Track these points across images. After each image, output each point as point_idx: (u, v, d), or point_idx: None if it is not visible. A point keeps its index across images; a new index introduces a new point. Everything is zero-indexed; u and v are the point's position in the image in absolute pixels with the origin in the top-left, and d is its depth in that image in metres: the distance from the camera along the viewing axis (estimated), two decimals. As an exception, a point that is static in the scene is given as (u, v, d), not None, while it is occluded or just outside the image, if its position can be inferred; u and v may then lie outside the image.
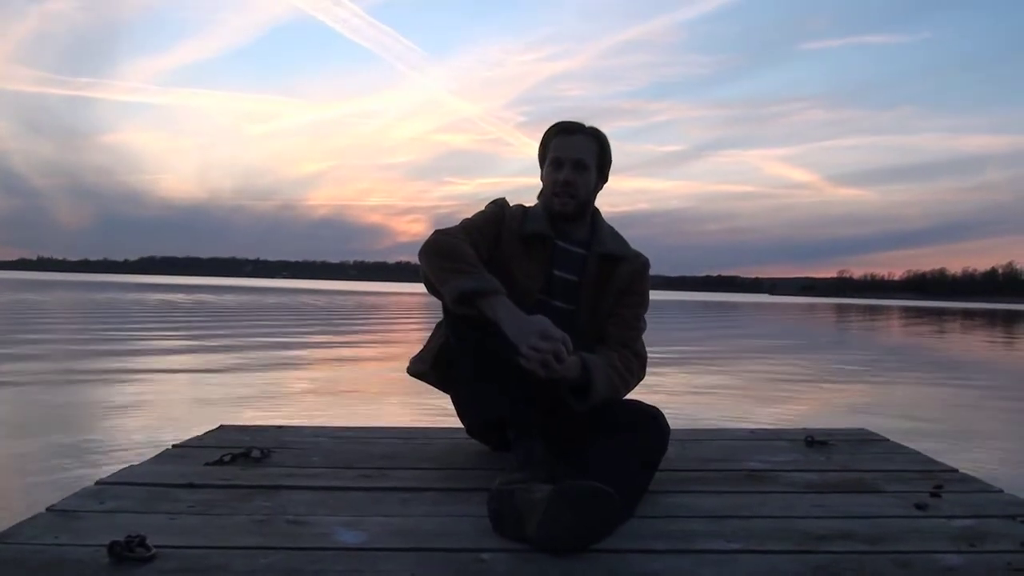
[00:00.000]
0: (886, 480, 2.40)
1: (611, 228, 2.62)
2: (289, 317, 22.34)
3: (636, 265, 2.58)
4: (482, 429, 2.56)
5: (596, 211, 2.60)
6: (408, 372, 2.71)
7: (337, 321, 21.86)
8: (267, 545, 1.76)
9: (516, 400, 2.29)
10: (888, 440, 3.05)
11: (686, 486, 2.33)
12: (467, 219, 2.52)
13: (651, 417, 2.27)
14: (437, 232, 2.42)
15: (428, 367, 2.60)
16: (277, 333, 15.52)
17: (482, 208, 2.59)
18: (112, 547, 1.65)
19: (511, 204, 2.59)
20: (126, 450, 4.34)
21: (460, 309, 2.28)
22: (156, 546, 1.69)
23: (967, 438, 5.88)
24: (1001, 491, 2.27)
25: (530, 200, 2.64)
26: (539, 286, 2.49)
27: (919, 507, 2.09)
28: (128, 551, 1.65)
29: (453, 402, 2.63)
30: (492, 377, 2.29)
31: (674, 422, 2.37)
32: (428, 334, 2.69)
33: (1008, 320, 42.19)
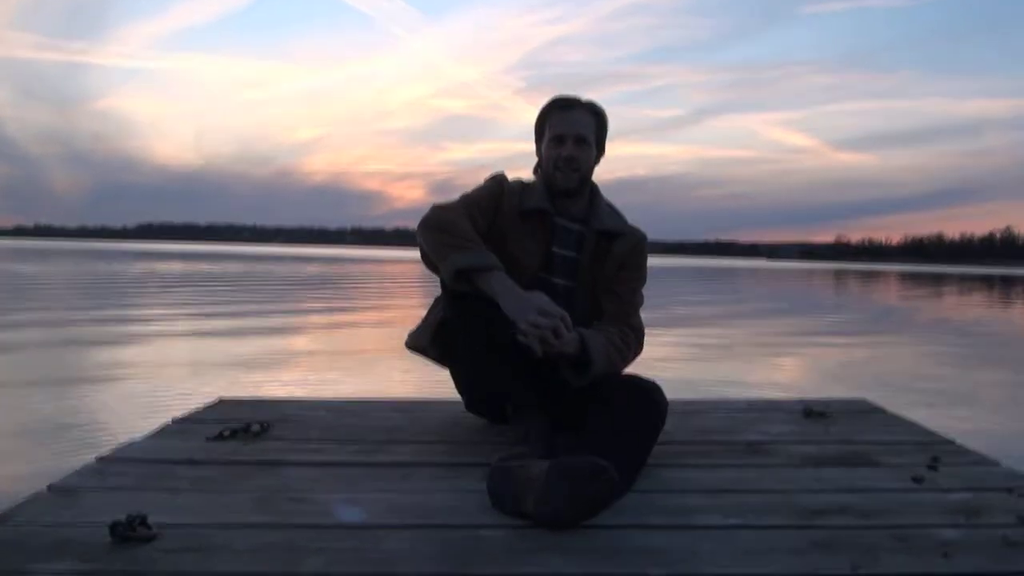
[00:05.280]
0: (884, 452, 2.41)
1: (609, 203, 2.61)
2: (288, 287, 22.29)
3: (634, 241, 2.58)
4: (481, 404, 2.57)
5: (594, 186, 2.59)
6: (407, 347, 2.72)
7: (336, 290, 21.82)
8: (268, 523, 1.77)
9: (514, 376, 2.30)
10: (886, 411, 3.06)
11: (684, 459, 2.34)
12: (465, 194, 2.51)
13: (649, 392, 2.28)
14: (435, 207, 2.41)
15: (427, 342, 2.61)
16: (276, 305, 15.44)
17: (480, 178, 2.58)
18: (114, 527, 1.66)
19: (510, 177, 2.58)
20: (127, 423, 4.34)
21: (458, 285, 2.28)
22: (158, 525, 1.70)
23: (966, 406, 5.89)
24: (998, 464, 2.28)
25: (528, 167, 2.62)
26: (538, 263, 2.48)
27: (916, 480, 2.11)
28: (130, 531, 1.66)
29: (452, 376, 2.63)
30: (490, 353, 2.29)
31: (672, 391, 2.38)
32: (427, 303, 2.69)
33: (1007, 285, 42.22)
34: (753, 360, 8.43)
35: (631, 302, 2.54)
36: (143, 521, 1.70)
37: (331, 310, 14.37)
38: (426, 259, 2.40)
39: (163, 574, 1.51)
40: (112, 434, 3.87)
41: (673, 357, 7.96)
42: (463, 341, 2.37)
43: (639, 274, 2.59)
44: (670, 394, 2.32)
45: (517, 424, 2.29)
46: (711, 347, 9.51)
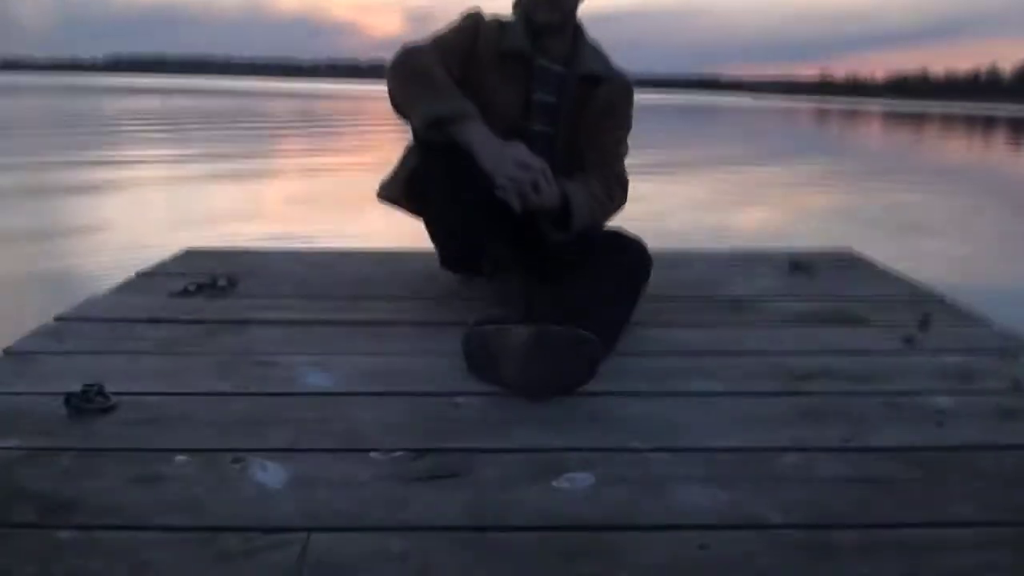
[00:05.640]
0: (872, 309, 2.33)
1: (594, 45, 2.42)
2: (260, 126, 21.74)
3: (619, 86, 2.41)
4: (456, 261, 2.46)
5: (579, 25, 2.40)
6: (378, 198, 2.58)
7: (311, 129, 21.34)
8: (231, 390, 1.69)
9: (492, 232, 2.18)
10: (874, 263, 2.98)
11: (665, 317, 2.26)
12: (438, 34, 2.32)
13: (633, 248, 2.18)
14: (406, 50, 2.23)
15: (399, 194, 2.47)
16: (249, 146, 15.00)
17: (459, 10, 2.38)
18: (69, 398, 1.57)
19: (487, 13, 2.38)
20: (88, 274, 4.19)
21: (430, 135, 2.12)
22: (116, 393, 1.61)
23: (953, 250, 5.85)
24: (990, 322, 2.22)
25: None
26: (516, 109, 2.31)
27: (906, 341, 2.04)
28: (85, 401, 1.58)
29: (426, 229, 2.50)
30: (466, 208, 2.17)
31: (653, 238, 2.28)
32: (403, 141, 2.52)
33: (989, 124, 41.96)
34: (736, 204, 8.35)
35: (615, 152, 2.40)
36: (100, 390, 1.61)
37: (306, 151, 14.06)
38: (396, 106, 2.23)
39: (117, 450, 1.42)
40: (73, 287, 3.74)
41: (655, 201, 7.83)
42: (437, 196, 2.24)
43: (624, 122, 2.43)
44: (651, 242, 2.22)
45: (494, 283, 2.19)
46: (695, 191, 9.40)
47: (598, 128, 2.36)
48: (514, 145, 2.05)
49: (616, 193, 2.34)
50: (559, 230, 2.21)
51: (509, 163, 2.00)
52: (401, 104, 2.19)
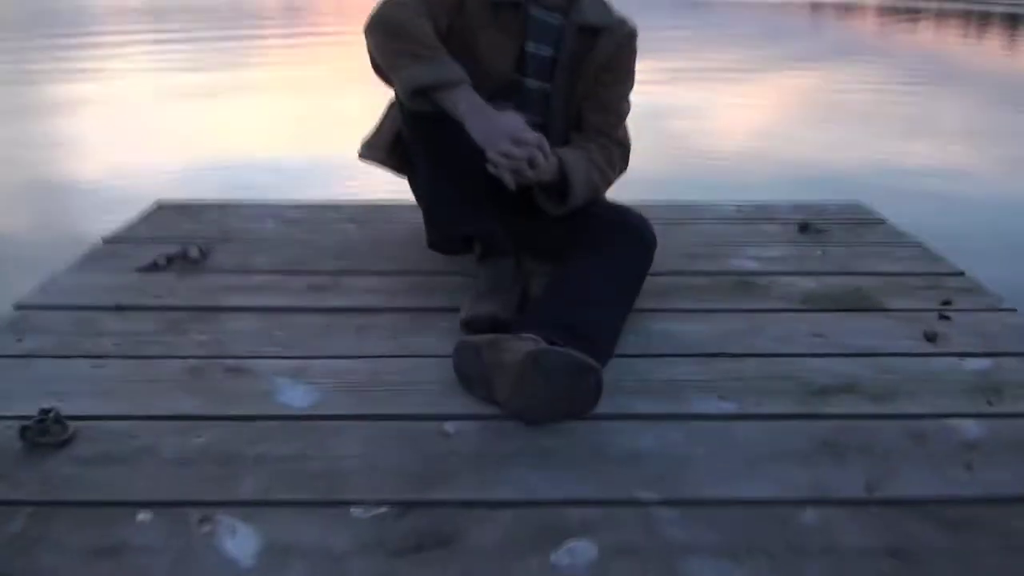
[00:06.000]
0: (889, 291, 2.18)
1: None
2: (251, 25, 20.91)
3: (621, 36, 2.19)
4: (445, 244, 2.29)
5: None
6: (360, 158, 2.39)
7: (305, 30, 20.57)
8: (199, 412, 1.56)
9: (483, 212, 2.03)
10: (885, 222, 2.82)
11: (668, 301, 2.11)
12: None
13: (635, 230, 2.02)
14: (387, 4, 2.01)
15: (383, 155, 2.29)
16: (240, 50, 14.32)
17: None
18: (24, 431, 1.45)
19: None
20: (55, 236, 3.89)
21: (416, 103, 1.94)
22: (74, 417, 1.50)
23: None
24: (1014, 310, 2.08)
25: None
26: (509, 63, 2.12)
27: (928, 338, 1.91)
28: (42, 433, 1.45)
29: (413, 193, 2.33)
30: (455, 184, 2.01)
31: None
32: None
33: (983, 20, 40.97)
34: (735, 118, 8.09)
35: (616, 111, 2.21)
36: (57, 417, 1.48)
37: (302, 61, 13.45)
38: (377, 68, 2.04)
39: (74, 505, 1.30)
40: (36, 255, 3.51)
41: (663, 116, 7.53)
42: (423, 171, 2.07)
43: (626, 76, 2.23)
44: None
45: (486, 265, 2.04)
46: (711, 101, 9.12)
47: (598, 83, 2.17)
48: (508, 116, 1.87)
49: (616, 160, 2.17)
50: (556, 205, 2.05)
51: (502, 137, 1.82)
52: (383, 67, 2.00)
